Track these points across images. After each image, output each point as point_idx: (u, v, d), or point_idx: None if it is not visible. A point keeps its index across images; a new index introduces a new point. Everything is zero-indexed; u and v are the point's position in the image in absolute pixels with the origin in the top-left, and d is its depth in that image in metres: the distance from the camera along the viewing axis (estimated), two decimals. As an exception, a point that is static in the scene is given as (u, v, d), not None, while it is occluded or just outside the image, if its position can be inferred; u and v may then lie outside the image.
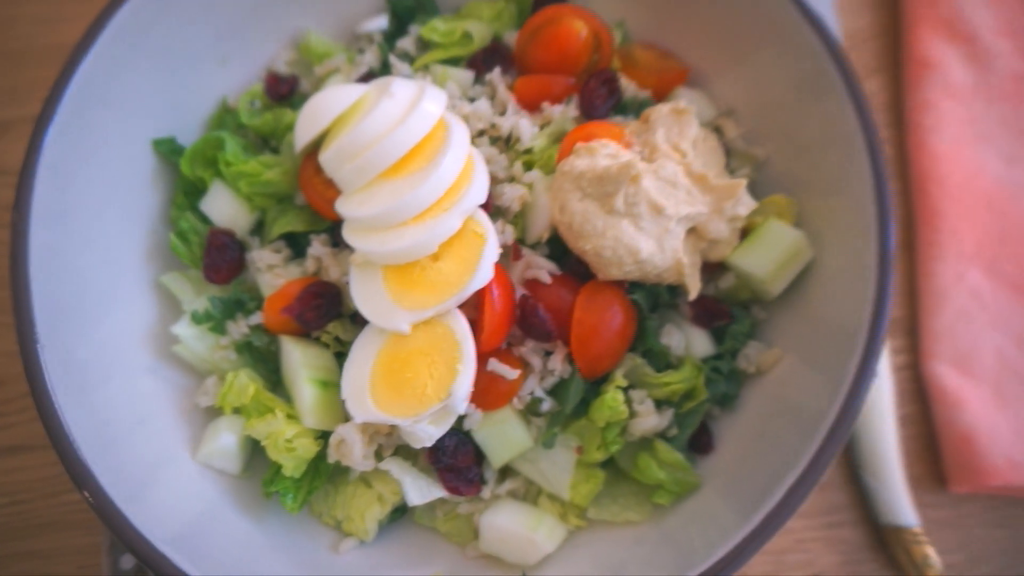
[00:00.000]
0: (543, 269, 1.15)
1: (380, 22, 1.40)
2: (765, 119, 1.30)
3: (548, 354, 1.16)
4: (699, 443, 1.20)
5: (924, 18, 1.60)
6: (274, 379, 1.24)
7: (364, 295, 1.11)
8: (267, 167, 1.25)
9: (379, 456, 1.16)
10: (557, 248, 1.18)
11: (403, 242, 1.07)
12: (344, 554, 1.17)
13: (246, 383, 1.17)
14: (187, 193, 1.30)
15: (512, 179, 1.20)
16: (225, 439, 1.17)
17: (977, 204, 1.49)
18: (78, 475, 1.00)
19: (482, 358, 1.10)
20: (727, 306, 1.21)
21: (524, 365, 1.15)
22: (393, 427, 1.12)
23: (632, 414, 1.15)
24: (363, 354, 1.11)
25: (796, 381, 1.15)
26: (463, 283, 1.06)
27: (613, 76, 1.25)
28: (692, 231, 1.16)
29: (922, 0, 1.61)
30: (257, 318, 1.22)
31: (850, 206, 1.13)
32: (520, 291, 1.15)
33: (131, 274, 1.24)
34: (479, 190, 1.11)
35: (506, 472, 1.20)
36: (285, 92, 1.35)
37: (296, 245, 1.27)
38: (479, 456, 1.17)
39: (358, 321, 1.17)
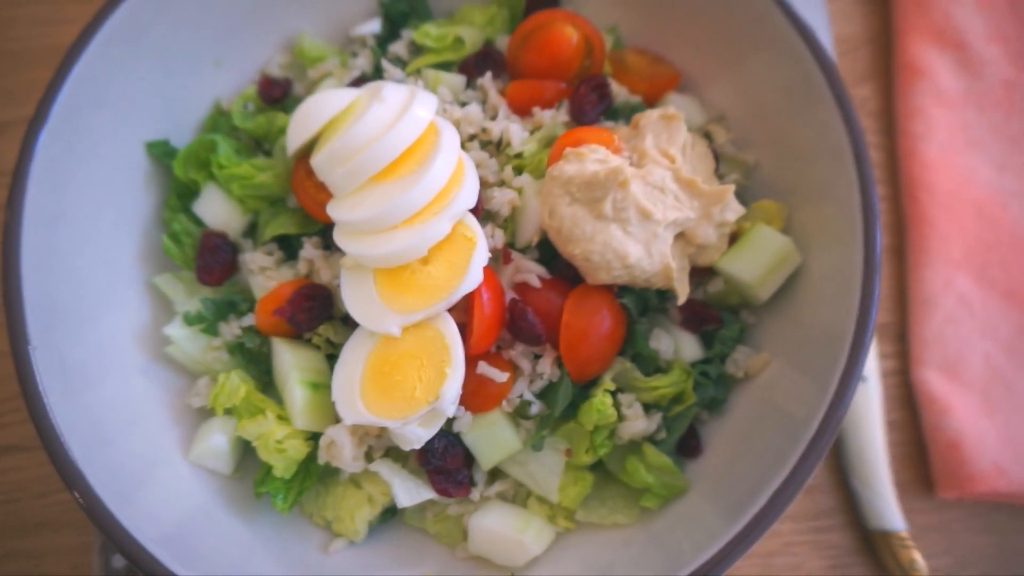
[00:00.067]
0: (532, 273, 1.16)
1: (373, 26, 1.41)
2: (755, 125, 1.31)
3: (537, 357, 1.17)
4: (687, 447, 1.21)
5: (915, 25, 1.61)
6: (266, 380, 1.24)
7: (355, 298, 1.12)
8: (260, 170, 1.26)
9: (369, 457, 1.16)
10: (547, 252, 1.19)
11: (393, 246, 1.08)
12: (334, 554, 1.18)
13: (238, 384, 1.17)
14: (180, 195, 1.31)
15: (502, 183, 1.21)
16: (216, 440, 1.18)
17: (967, 211, 1.50)
18: (68, 476, 1.01)
19: (472, 361, 1.11)
20: (716, 311, 1.22)
21: (513, 368, 1.15)
22: (383, 429, 1.13)
23: (621, 418, 1.16)
24: (353, 356, 1.12)
25: (784, 385, 1.16)
26: (453, 287, 1.07)
27: (604, 82, 1.26)
28: (681, 236, 1.17)
29: (913, 7, 1.62)
30: (249, 320, 1.23)
31: (837, 212, 1.14)
32: (510, 295, 1.16)
33: (124, 275, 1.24)
34: (469, 194, 1.12)
35: (495, 474, 1.21)
36: (278, 95, 1.36)
37: (288, 247, 1.28)
38: (469, 458, 1.17)
39: (349, 323, 1.18)
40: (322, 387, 1.17)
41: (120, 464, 1.08)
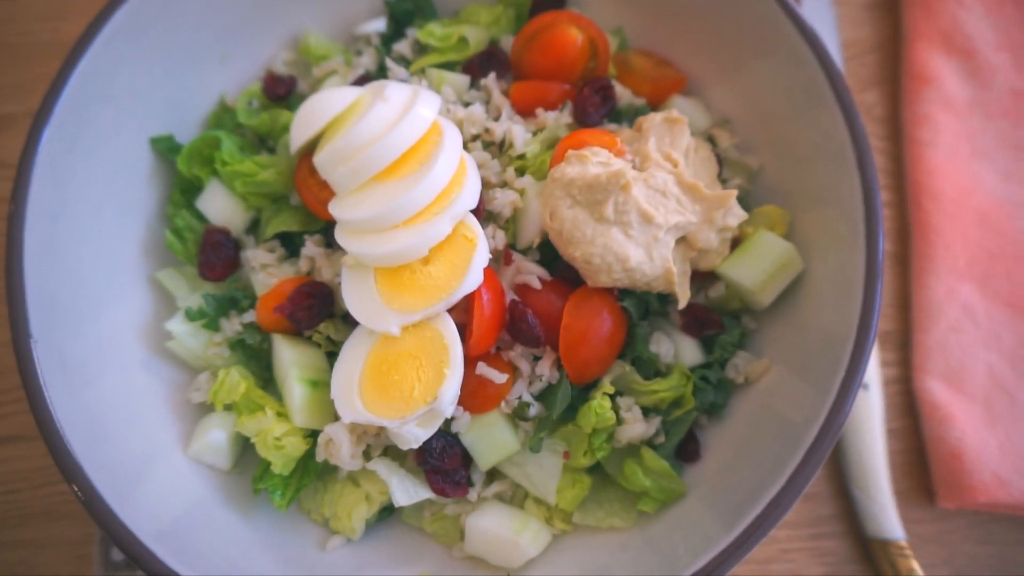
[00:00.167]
0: (533, 274, 1.16)
1: (378, 24, 1.41)
2: (759, 130, 1.31)
3: (537, 359, 1.17)
4: (686, 451, 1.20)
5: (924, 32, 1.60)
6: (266, 376, 1.25)
7: (355, 296, 1.12)
8: (263, 167, 1.26)
9: (367, 456, 1.17)
10: (548, 254, 1.19)
11: (394, 245, 1.08)
12: (331, 552, 1.18)
13: (237, 380, 1.18)
14: (184, 191, 1.32)
15: (504, 184, 1.21)
16: (216, 435, 1.18)
17: (972, 219, 1.49)
18: (68, 469, 1.01)
19: (471, 362, 1.11)
20: (717, 315, 1.22)
21: (513, 369, 1.15)
22: (381, 428, 1.13)
23: (619, 421, 1.16)
24: (353, 355, 1.12)
25: (784, 391, 1.15)
26: (453, 287, 1.07)
27: (608, 84, 1.26)
28: (682, 240, 1.17)
29: (922, 14, 1.61)
30: (250, 316, 1.23)
31: (840, 218, 1.14)
32: (510, 296, 1.16)
33: (126, 270, 1.25)
34: (470, 195, 1.12)
35: (493, 475, 1.21)
36: (283, 92, 1.36)
37: (290, 245, 1.28)
38: (467, 458, 1.18)
39: (349, 321, 1.18)
40: (321, 385, 1.17)
41: (119, 458, 1.09)
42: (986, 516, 1.36)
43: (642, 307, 1.19)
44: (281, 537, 1.18)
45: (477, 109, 1.25)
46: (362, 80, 1.32)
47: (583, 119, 1.25)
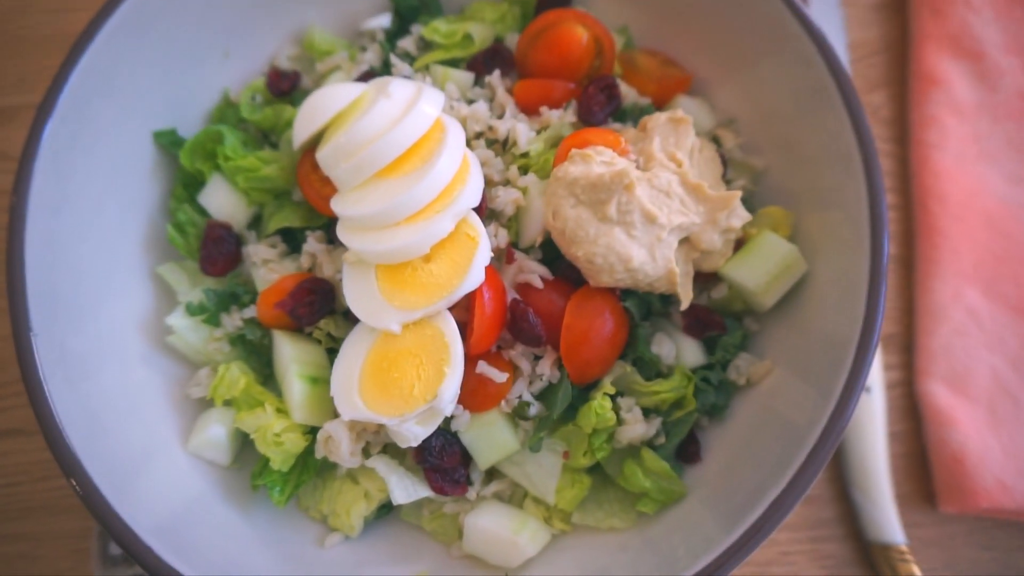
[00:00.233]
0: (535, 274, 1.15)
1: (383, 20, 1.40)
2: (764, 130, 1.30)
3: (537, 358, 1.16)
4: (686, 452, 1.20)
5: (932, 33, 1.59)
6: (266, 372, 1.24)
7: (356, 293, 1.12)
8: (265, 162, 1.26)
9: (367, 453, 1.16)
10: (550, 253, 1.18)
11: (395, 242, 1.08)
12: (329, 549, 1.18)
13: (237, 376, 1.18)
14: (186, 185, 1.31)
15: (507, 182, 1.21)
16: (215, 431, 1.18)
17: (978, 223, 1.48)
18: (66, 463, 1.01)
19: (472, 360, 1.10)
20: (719, 317, 1.21)
21: (513, 369, 1.15)
22: (381, 425, 1.12)
23: (620, 421, 1.15)
24: (353, 352, 1.12)
25: (786, 394, 1.15)
26: (454, 285, 1.07)
27: (613, 83, 1.25)
28: (685, 241, 1.16)
29: (930, 15, 1.60)
30: (251, 311, 1.23)
31: (845, 220, 1.13)
32: (512, 295, 1.15)
33: (128, 264, 1.25)
34: (473, 193, 1.11)
35: (492, 474, 1.20)
36: (286, 88, 1.36)
37: (292, 240, 1.28)
38: (466, 457, 1.17)
39: (350, 318, 1.17)
40: (321, 381, 1.17)
41: (118, 453, 1.09)
42: (988, 521, 1.36)
43: (644, 308, 1.19)
44: (279, 534, 1.18)
45: (481, 107, 1.24)
46: (366, 76, 1.31)
47: (587, 118, 1.24)
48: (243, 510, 1.17)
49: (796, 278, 1.19)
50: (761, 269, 1.17)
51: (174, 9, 1.24)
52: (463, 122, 1.22)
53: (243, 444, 1.22)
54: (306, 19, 1.41)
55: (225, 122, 1.34)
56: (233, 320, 1.23)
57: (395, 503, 1.13)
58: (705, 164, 1.21)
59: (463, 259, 1.08)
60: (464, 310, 1.11)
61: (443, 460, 1.14)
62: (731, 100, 1.35)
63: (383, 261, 1.11)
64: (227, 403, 1.20)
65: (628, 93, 1.30)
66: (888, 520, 1.31)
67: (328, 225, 1.24)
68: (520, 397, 1.15)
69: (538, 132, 1.24)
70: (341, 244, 1.17)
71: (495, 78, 1.30)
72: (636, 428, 1.14)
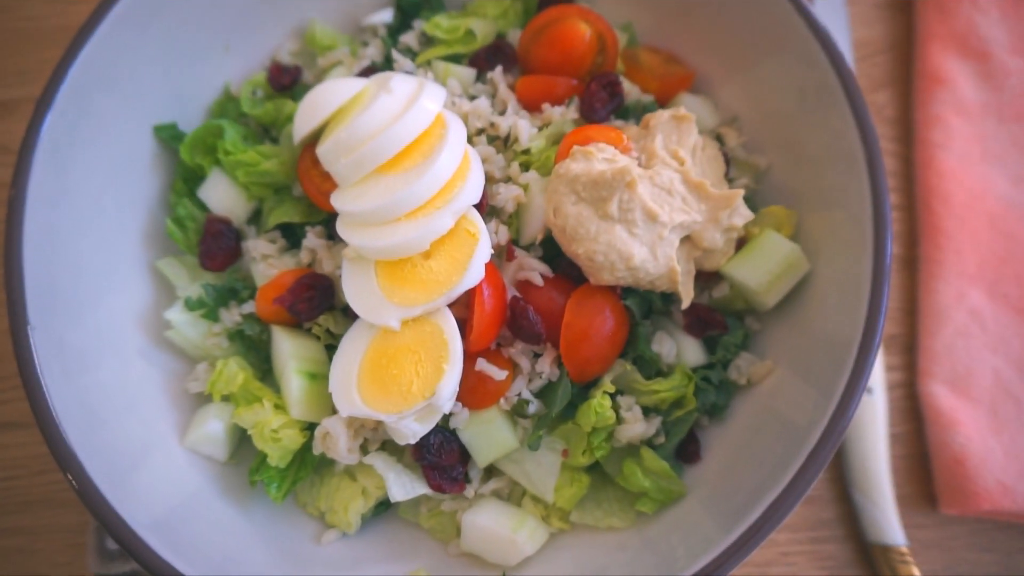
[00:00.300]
0: (535, 271, 1.15)
1: (385, 15, 1.40)
2: (767, 129, 1.29)
3: (537, 356, 1.16)
4: (686, 452, 1.19)
5: (937, 33, 1.58)
6: (265, 368, 1.24)
7: (355, 289, 1.11)
8: (265, 157, 1.25)
9: (365, 450, 1.16)
10: (551, 250, 1.18)
11: (395, 238, 1.07)
12: (327, 546, 1.18)
13: (236, 371, 1.17)
14: (186, 179, 1.31)
15: (508, 179, 1.20)
16: (213, 426, 1.18)
17: (982, 224, 1.47)
18: (63, 457, 1.01)
19: (471, 357, 1.10)
20: (721, 316, 1.21)
21: (513, 366, 1.15)
22: (379, 422, 1.12)
23: (619, 420, 1.15)
24: (352, 348, 1.12)
25: (786, 394, 1.14)
26: (453, 282, 1.06)
27: (615, 79, 1.24)
28: (687, 239, 1.15)
29: (936, 14, 1.59)
30: (250, 307, 1.23)
31: (848, 220, 1.13)
32: (512, 292, 1.15)
33: (127, 258, 1.24)
34: (473, 189, 1.11)
35: (491, 472, 1.20)
36: (288, 82, 1.35)
37: (292, 236, 1.28)
38: (464, 455, 1.17)
39: (350, 314, 1.17)
40: (320, 377, 1.16)
41: (115, 447, 1.08)
42: (989, 523, 1.35)
43: (645, 306, 1.18)
44: (276, 530, 1.18)
45: (483, 103, 1.23)
46: (368, 71, 1.31)
47: (590, 115, 1.24)
48: (240, 506, 1.17)
49: (798, 277, 1.18)
50: (763, 268, 1.16)
51: (175, 3, 1.24)
52: (464, 118, 1.22)
53: (241, 440, 1.21)
54: (308, 14, 1.41)
55: (226, 116, 1.33)
56: (232, 315, 1.23)
57: (393, 500, 1.13)
58: (707, 162, 1.20)
59: (463, 256, 1.08)
60: (464, 307, 1.11)
61: (441, 457, 1.13)
62: (734, 98, 1.34)
63: (383, 257, 1.10)
64: (225, 398, 1.20)
65: (631, 90, 1.30)
66: (889, 521, 1.31)
67: (328, 221, 1.23)
68: (519, 395, 1.14)
69: (540, 129, 1.24)
70: (341, 240, 1.16)
71: (497, 74, 1.29)
72: (636, 427, 1.14)
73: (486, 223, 1.13)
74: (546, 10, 1.31)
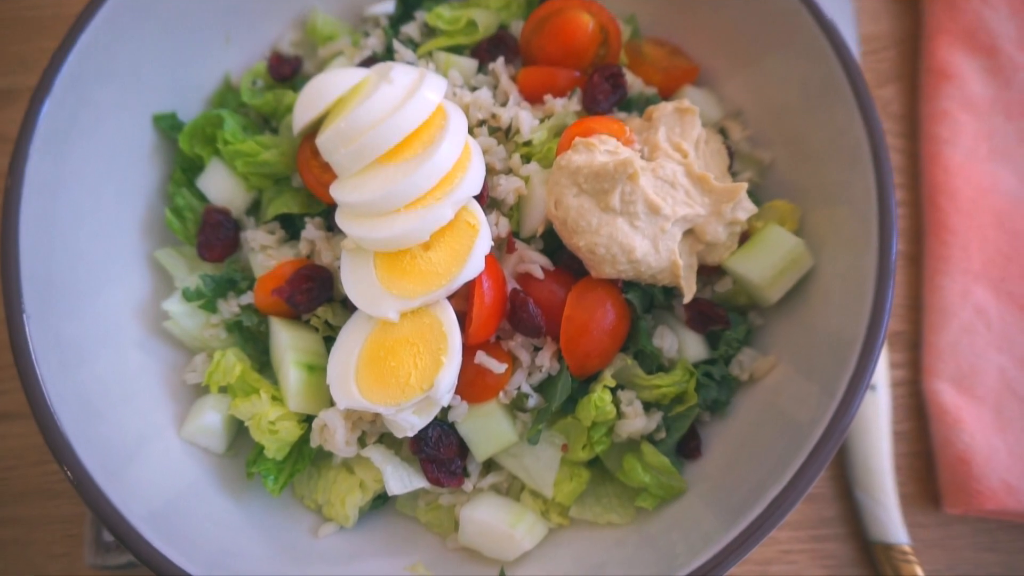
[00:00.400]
0: (536, 264, 1.14)
1: (387, 6, 1.39)
2: (772, 123, 1.28)
3: (537, 350, 1.15)
4: (687, 448, 1.18)
5: (945, 27, 1.57)
6: (263, 360, 1.23)
7: (354, 281, 1.10)
8: (265, 147, 1.24)
9: (362, 443, 1.15)
10: (552, 243, 1.17)
11: (394, 229, 1.06)
12: (323, 539, 1.17)
13: (233, 363, 1.16)
14: (185, 169, 1.30)
15: (509, 171, 1.19)
16: (210, 417, 1.17)
17: (988, 220, 1.46)
18: (58, 448, 1.00)
19: (470, 350, 1.09)
20: (723, 311, 1.19)
21: (512, 359, 1.14)
22: (377, 415, 1.11)
23: (620, 415, 1.14)
24: (350, 340, 1.11)
25: (789, 390, 1.13)
26: (453, 274, 1.05)
27: (618, 71, 1.23)
28: (690, 233, 1.14)
29: (944, 9, 1.58)
30: (248, 298, 1.22)
31: (853, 216, 1.11)
32: (512, 285, 1.14)
33: (125, 248, 1.24)
34: (474, 181, 1.10)
35: (490, 466, 1.19)
36: (288, 73, 1.34)
37: (291, 227, 1.27)
38: (463, 448, 1.16)
39: (348, 306, 1.16)
40: (318, 369, 1.15)
41: (112, 438, 1.08)
42: (993, 523, 1.34)
43: (646, 300, 1.17)
44: (273, 523, 1.17)
45: (484, 94, 1.22)
46: (369, 62, 1.30)
47: (592, 107, 1.22)
48: (237, 498, 1.16)
49: (802, 272, 1.17)
50: (766, 262, 1.15)
51: (175, -8, 1.23)
52: (466, 109, 1.21)
53: (238, 432, 1.21)
54: (309, 3, 1.40)
55: (226, 106, 1.33)
56: (230, 306, 1.22)
57: (390, 494, 1.12)
58: (711, 156, 1.19)
59: (463, 248, 1.07)
60: (463, 299, 1.10)
61: (440, 451, 1.13)
62: (739, 92, 1.33)
63: (382, 248, 1.09)
64: (223, 390, 1.19)
65: (634, 83, 1.29)
66: (891, 520, 1.29)
67: (327, 212, 1.22)
68: (519, 388, 1.13)
69: (541, 120, 1.23)
70: (340, 231, 1.16)
71: (499, 65, 1.28)
72: (636, 422, 1.13)
73: (487, 215, 1.12)
74: (548, 1, 1.30)
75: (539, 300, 1.11)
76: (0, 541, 1.34)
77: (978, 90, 1.54)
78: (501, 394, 1.13)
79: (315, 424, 1.12)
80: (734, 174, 1.27)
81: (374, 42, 1.34)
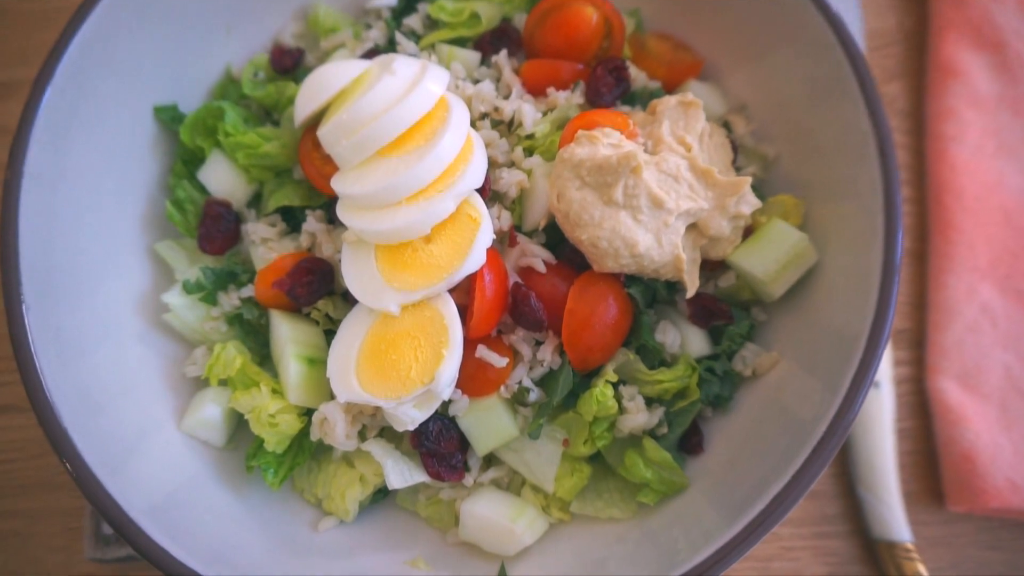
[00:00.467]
0: (538, 257, 1.13)
1: (390, -2, 1.38)
2: (777, 117, 1.28)
3: (539, 344, 1.14)
4: (689, 443, 1.18)
5: (952, 23, 1.56)
6: (263, 353, 1.23)
7: (355, 274, 1.10)
8: (266, 139, 1.24)
9: (363, 436, 1.15)
10: (554, 236, 1.16)
11: (395, 222, 1.05)
12: (323, 533, 1.17)
13: (233, 356, 1.16)
14: (186, 162, 1.30)
15: (512, 164, 1.18)
16: (210, 411, 1.16)
17: (994, 218, 1.45)
18: (58, 441, 1.00)
19: (471, 344, 1.09)
20: (726, 306, 1.19)
21: (514, 353, 1.13)
22: (377, 408, 1.11)
23: (621, 410, 1.13)
24: (351, 333, 1.10)
25: (792, 386, 1.13)
26: (454, 267, 1.05)
27: (622, 64, 1.22)
28: (693, 227, 1.14)
29: (950, 4, 1.57)
30: (249, 291, 1.21)
31: (858, 212, 1.11)
32: (514, 278, 1.13)
33: (125, 240, 1.23)
34: (476, 173, 1.09)
35: (490, 460, 1.19)
36: (290, 64, 1.34)
37: (292, 219, 1.26)
38: (463, 443, 1.15)
39: (349, 299, 1.16)
40: (318, 362, 1.15)
41: (111, 432, 1.07)
42: (996, 521, 1.33)
43: (649, 294, 1.16)
44: (273, 516, 1.17)
45: (487, 87, 1.22)
46: (371, 54, 1.29)
47: (596, 100, 1.22)
48: (237, 492, 1.16)
49: (806, 268, 1.16)
50: (770, 257, 1.14)
51: (176, -18, 1.22)
52: (468, 102, 1.20)
53: (238, 425, 1.20)
54: (311, -5, 1.39)
55: (227, 98, 1.32)
56: (230, 299, 1.22)
57: (391, 488, 1.12)
58: (715, 150, 1.18)
59: (464, 241, 1.06)
60: (464, 293, 1.09)
61: (440, 445, 1.12)
62: (743, 86, 1.32)
63: (383, 241, 1.09)
64: (223, 383, 1.19)
65: (637, 76, 1.28)
66: (895, 517, 1.29)
67: (328, 204, 1.22)
68: (520, 383, 1.13)
69: (544, 114, 1.22)
70: (341, 223, 1.15)
71: (502, 58, 1.27)
72: (638, 417, 1.12)
73: (489, 208, 1.12)
74: (553, -7, 1.29)
75: (541, 294, 1.11)
76: (0, 534, 1.34)
77: (985, 87, 1.53)
78: (502, 388, 1.12)
79: (315, 417, 1.12)
80: (738, 168, 1.26)
81: (376, 34, 1.33)
